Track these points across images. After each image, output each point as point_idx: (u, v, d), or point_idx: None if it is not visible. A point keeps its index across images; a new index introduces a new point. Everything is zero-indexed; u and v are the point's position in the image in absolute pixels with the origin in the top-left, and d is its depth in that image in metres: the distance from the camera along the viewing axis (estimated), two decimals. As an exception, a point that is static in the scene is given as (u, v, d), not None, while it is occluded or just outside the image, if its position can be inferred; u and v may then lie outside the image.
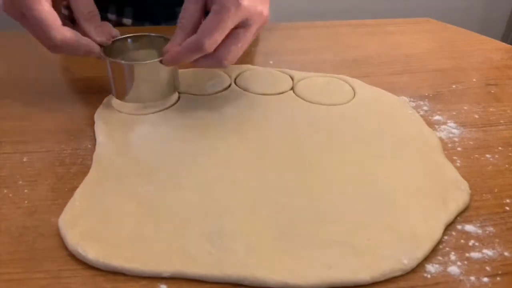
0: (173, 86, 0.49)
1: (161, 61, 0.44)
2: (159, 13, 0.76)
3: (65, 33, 0.42)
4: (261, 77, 0.56)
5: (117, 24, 0.75)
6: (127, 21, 0.75)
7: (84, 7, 0.45)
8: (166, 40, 0.46)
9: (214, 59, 0.42)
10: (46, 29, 0.41)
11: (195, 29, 0.42)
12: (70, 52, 0.44)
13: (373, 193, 0.37)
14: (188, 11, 0.44)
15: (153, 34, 0.49)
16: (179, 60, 0.43)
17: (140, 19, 0.75)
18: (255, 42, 0.66)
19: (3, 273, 0.30)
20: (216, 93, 0.52)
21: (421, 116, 0.49)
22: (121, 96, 0.47)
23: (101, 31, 0.46)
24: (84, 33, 0.45)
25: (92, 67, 0.61)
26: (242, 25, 0.42)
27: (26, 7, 0.40)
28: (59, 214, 0.34)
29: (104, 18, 0.75)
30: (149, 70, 0.45)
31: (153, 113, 0.47)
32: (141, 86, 0.46)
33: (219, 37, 0.40)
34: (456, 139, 0.45)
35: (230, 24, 0.40)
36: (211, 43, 0.40)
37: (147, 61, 0.45)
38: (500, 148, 0.44)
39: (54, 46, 0.43)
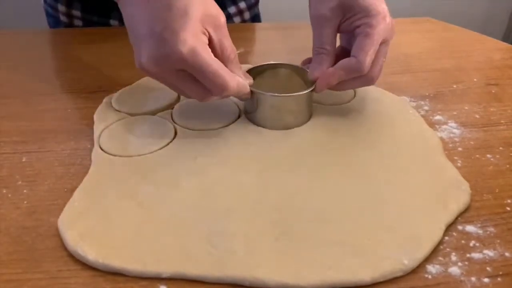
0: (311, 112, 0.48)
1: (312, 90, 0.44)
2: None
3: (238, 79, 0.40)
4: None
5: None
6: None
7: (226, 49, 0.41)
8: (280, 66, 0.48)
9: (367, 78, 0.44)
10: (224, 82, 0.38)
11: (335, 53, 0.45)
12: (226, 96, 0.41)
13: (373, 193, 0.37)
14: (327, 36, 0.45)
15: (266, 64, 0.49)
16: (333, 83, 0.44)
17: None
18: (254, 42, 0.66)
19: (2, 273, 0.30)
20: (216, 93, 0.52)
21: (422, 116, 0.49)
22: (263, 124, 0.46)
23: (244, 73, 0.44)
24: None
25: (91, 67, 0.61)
26: (383, 41, 0.44)
27: (199, 66, 0.37)
28: (59, 214, 0.34)
29: (106, 25, 0.75)
30: (297, 101, 0.45)
31: (151, 113, 0.47)
32: (286, 117, 0.45)
33: (373, 56, 0.42)
34: (456, 139, 0.45)
35: (379, 42, 0.43)
36: (369, 63, 0.42)
37: (301, 92, 0.44)
38: (501, 148, 0.44)
39: (220, 95, 0.40)
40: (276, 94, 0.44)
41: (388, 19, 0.43)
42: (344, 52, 0.47)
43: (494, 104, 0.52)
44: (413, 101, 0.52)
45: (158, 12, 0.37)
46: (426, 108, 0.51)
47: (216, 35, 0.40)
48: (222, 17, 0.40)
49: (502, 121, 0.49)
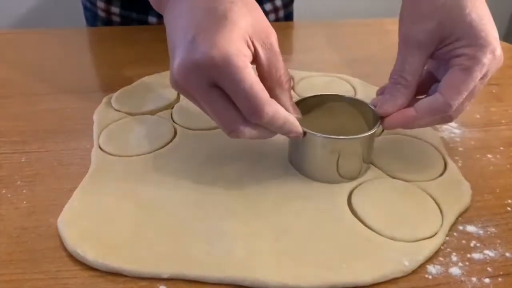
0: (370, 160, 0.39)
1: (378, 130, 0.37)
2: None
3: (277, 107, 0.32)
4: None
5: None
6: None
7: (277, 72, 0.34)
8: (341, 99, 0.40)
9: (445, 118, 0.37)
10: (258, 104, 0.31)
11: (416, 86, 0.37)
12: (266, 133, 0.34)
13: (374, 193, 0.37)
14: (412, 65, 0.36)
15: (325, 94, 0.41)
16: (409, 126, 0.37)
17: None
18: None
19: (1, 274, 0.30)
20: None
21: (422, 116, 0.49)
22: (314, 175, 0.38)
23: (293, 105, 0.36)
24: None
25: (90, 67, 0.61)
26: (482, 76, 0.35)
27: (232, 77, 0.30)
28: (58, 215, 0.34)
29: (144, 22, 0.74)
30: (360, 144, 0.36)
31: (151, 113, 0.47)
32: (344, 165, 0.37)
33: (465, 96, 0.35)
34: (457, 139, 0.45)
35: (477, 80, 0.35)
36: (458, 103, 0.35)
37: (364, 134, 0.36)
38: (501, 148, 0.44)
39: (255, 125, 0.33)
40: (332, 136, 0.35)
41: (499, 52, 0.35)
42: (429, 78, 0.40)
43: (494, 104, 0.52)
44: (414, 101, 0.52)
45: (195, 17, 0.32)
46: (426, 108, 0.51)
47: (265, 53, 0.33)
48: (273, 35, 0.34)
49: (503, 121, 0.49)
